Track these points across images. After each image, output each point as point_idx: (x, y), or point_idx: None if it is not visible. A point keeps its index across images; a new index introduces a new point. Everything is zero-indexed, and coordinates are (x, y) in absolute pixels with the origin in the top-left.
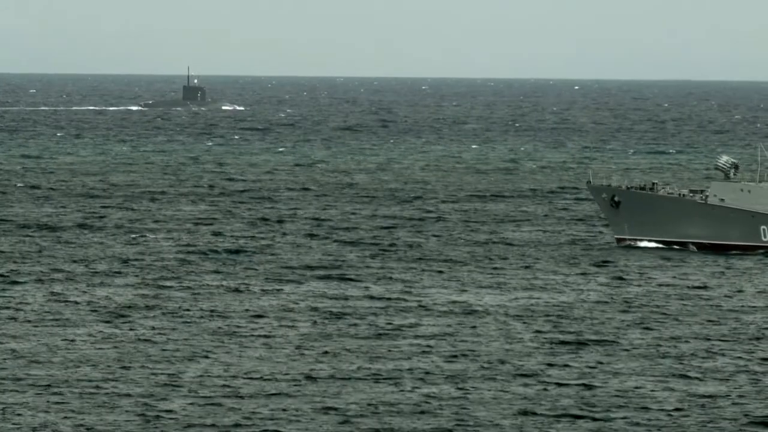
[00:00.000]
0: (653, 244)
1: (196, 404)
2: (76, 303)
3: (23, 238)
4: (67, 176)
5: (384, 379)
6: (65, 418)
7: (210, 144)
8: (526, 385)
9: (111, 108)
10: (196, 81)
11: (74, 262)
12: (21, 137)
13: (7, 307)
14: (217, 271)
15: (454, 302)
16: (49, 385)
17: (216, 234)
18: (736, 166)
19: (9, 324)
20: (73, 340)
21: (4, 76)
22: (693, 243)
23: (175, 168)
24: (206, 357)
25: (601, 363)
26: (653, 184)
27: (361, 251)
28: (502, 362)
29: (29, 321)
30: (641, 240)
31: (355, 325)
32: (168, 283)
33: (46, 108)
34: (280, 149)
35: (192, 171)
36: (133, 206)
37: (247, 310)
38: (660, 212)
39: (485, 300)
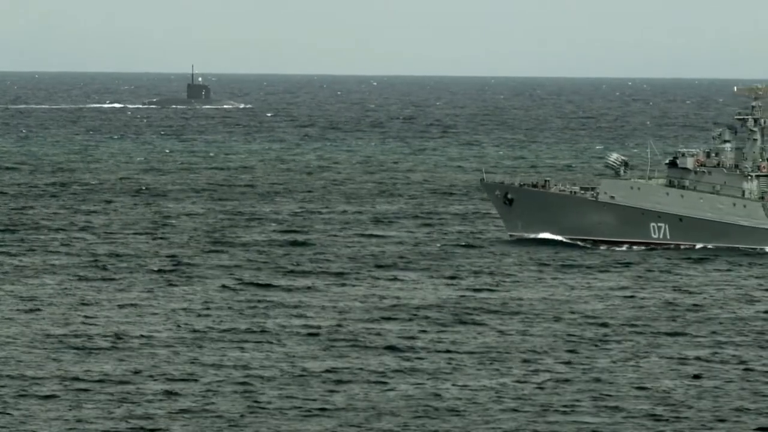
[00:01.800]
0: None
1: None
2: (70, 301)
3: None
4: (59, 173)
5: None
6: (59, 417)
7: (195, 141)
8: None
9: (116, 105)
10: (200, 79)
11: (62, 261)
12: (22, 134)
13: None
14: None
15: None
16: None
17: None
18: (626, 164)
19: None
20: (68, 338)
21: (5, 75)
22: (584, 239)
23: (165, 165)
24: (197, 354)
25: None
26: (545, 181)
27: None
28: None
29: (26, 319)
30: (534, 237)
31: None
32: (147, 283)
33: (52, 106)
34: (279, 147)
35: (181, 168)
36: (122, 204)
37: (233, 307)
38: (552, 209)
39: (418, 298)
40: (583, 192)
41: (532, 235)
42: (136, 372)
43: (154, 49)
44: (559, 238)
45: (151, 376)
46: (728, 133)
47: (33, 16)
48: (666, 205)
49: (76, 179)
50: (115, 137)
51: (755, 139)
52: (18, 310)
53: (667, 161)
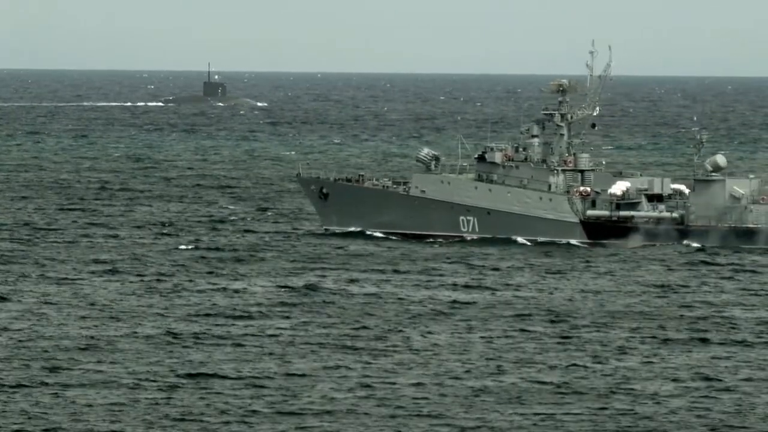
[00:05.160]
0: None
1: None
2: (66, 300)
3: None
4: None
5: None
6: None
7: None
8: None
9: (136, 104)
10: (216, 77)
11: (55, 260)
12: (35, 132)
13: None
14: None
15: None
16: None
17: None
18: (437, 158)
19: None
20: (65, 337)
21: (20, 72)
22: (397, 233)
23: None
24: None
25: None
26: (360, 176)
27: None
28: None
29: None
30: (348, 231)
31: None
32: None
33: (70, 104)
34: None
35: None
36: (112, 203)
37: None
38: (366, 203)
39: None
40: (395, 186)
41: (347, 229)
42: (128, 372)
43: (153, 48)
44: (372, 232)
45: (144, 379)
46: (536, 128)
47: (32, 14)
48: (475, 198)
49: (74, 178)
50: (133, 134)
51: (562, 134)
52: (17, 310)
53: (476, 155)
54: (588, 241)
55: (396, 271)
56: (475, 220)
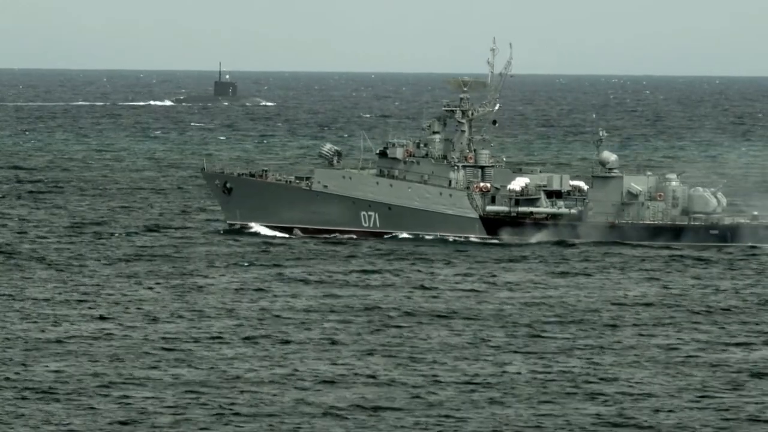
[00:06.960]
0: (264, 230)
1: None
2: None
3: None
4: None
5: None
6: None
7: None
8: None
9: (149, 103)
10: (227, 76)
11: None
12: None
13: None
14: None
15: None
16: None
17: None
18: (339, 154)
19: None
20: (65, 337)
21: (34, 71)
22: (299, 228)
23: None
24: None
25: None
26: (264, 171)
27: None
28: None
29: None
30: (252, 225)
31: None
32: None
33: (83, 103)
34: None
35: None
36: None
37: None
38: (269, 198)
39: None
40: (298, 182)
41: (251, 224)
42: (120, 374)
43: (151, 49)
44: (275, 226)
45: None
46: (437, 124)
47: (32, 14)
48: (376, 194)
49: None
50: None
51: (463, 131)
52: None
53: (377, 151)
54: (487, 236)
55: (381, 269)
56: (377, 215)
